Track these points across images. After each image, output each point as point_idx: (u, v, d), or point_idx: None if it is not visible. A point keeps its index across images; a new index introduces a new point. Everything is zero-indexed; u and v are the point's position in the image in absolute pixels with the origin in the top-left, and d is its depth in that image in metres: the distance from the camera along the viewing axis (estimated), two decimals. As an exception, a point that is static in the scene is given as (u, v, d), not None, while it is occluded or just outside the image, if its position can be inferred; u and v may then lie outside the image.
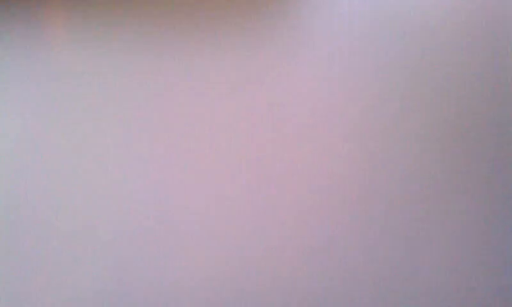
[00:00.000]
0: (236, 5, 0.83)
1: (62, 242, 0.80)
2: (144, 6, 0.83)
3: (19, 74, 0.82)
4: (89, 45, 0.82)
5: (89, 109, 0.82)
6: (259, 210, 0.81)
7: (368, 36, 0.83)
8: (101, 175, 0.81)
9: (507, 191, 0.82)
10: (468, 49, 0.83)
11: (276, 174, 0.81)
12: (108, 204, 0.81)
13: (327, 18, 0.83)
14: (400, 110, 0.82)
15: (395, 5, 0.83)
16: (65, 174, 0.81)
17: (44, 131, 0.82)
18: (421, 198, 0.81)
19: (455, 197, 0.82)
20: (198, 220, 0.81)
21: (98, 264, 0.80)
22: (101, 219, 0.80)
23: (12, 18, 0.82)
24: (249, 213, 0.81)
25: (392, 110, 0.82)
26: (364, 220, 0.81)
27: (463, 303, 0.81)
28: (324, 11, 0.83)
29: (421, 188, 0.81)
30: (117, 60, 0.82)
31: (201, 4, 0.82)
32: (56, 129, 0.82)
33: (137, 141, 0.82)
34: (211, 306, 0.80)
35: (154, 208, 0.81)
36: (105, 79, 0.82)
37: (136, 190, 0.81)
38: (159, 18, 0.82)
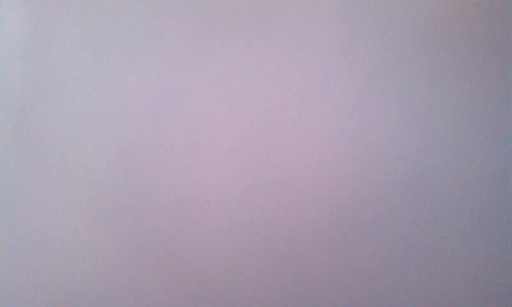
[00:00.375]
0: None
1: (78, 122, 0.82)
2: None
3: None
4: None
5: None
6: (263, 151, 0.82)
7: (369, 34, 0.83)
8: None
9: (507, 190, 0.82)
10: (468, 47, 0.83)
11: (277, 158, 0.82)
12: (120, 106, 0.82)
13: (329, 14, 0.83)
14: (400, 107, 0.83)
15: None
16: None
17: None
18: (421, 198, 0.82)
19: (455, 197, 0.82)
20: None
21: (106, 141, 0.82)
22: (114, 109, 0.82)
23: None
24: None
25: (393, 109, 0.83)
26: (364, 218, 0.81)
27: (462, 302, 0.81)
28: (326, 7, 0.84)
29: (422, 187, 0.82)
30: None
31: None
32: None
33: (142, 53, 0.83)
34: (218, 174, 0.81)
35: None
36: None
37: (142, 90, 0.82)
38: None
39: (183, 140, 0.82)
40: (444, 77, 0.83)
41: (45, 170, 0.82)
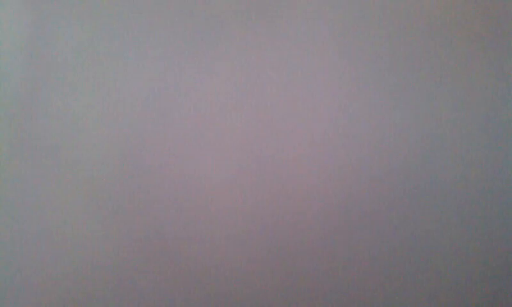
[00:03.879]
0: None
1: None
2: None
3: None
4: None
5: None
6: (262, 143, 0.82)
7: (369, 33, 0.83)
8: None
9: (506, 189, 0.82)
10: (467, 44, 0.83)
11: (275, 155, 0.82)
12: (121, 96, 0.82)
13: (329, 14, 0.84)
14: (398, 107, 0.83)
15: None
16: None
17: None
18: (420, 195, 0.82)
19: (454, 196, 0.82)
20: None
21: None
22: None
23: None
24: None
25: (392, 109, 0.83)
26: (364, 217, 0.81)
27: (462, 302, 0.81)
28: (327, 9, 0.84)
29: (421, 184, 0.82)
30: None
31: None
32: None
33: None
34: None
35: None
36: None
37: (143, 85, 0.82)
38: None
39: (183, 139, 0.82)
40: (444, 76, 0.83)
41: (45, 169, 0.82)
